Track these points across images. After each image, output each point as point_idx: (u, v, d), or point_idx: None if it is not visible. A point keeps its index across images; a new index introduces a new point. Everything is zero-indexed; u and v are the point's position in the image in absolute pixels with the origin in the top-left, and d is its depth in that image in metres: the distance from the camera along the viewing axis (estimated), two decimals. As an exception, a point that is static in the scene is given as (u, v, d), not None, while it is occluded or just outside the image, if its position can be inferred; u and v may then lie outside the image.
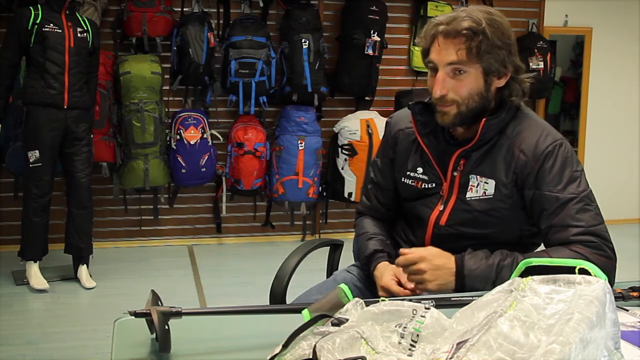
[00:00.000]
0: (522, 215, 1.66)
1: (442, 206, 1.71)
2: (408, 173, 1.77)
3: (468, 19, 1.57)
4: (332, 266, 2.13)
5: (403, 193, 1.81)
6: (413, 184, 1.76)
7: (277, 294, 1.81)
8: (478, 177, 1.66)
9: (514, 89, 1.65)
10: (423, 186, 1.74)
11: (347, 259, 2.10)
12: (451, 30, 1.58)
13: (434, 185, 1.72)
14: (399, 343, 1.01)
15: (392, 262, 1.74)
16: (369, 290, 1.83)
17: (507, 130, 1.66)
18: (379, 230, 1.85)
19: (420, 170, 1.75)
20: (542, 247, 1.69)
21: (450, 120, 1.63)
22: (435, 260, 1.59)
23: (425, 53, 1.66)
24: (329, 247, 2.14)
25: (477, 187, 1.66)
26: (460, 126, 1.67)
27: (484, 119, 1.61)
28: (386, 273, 1.70)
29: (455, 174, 1.69)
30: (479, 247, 1.63)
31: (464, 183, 1.68)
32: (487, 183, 1.65)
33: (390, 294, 1.65)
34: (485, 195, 1.65)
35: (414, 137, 1.77)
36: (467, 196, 1.67)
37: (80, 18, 3.90)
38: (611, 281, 1.50)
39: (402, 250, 1.65)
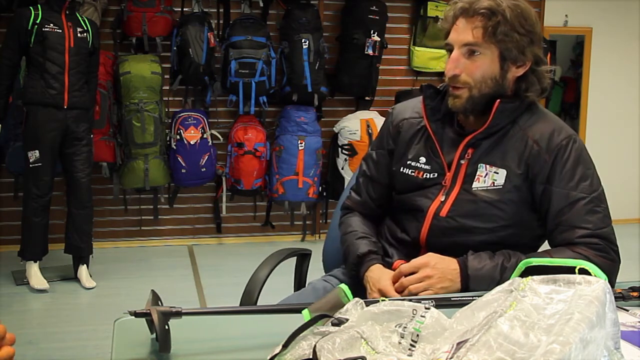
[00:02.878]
0: (528, 212, 1.61)
1: (444, 197, 1.64)
2: (409, 162, 1.71)
3: (489, 0, 1.55)
4: (300, 277, 2.04)
5: (400, 184, 1.73)
6: (413, 174, 1.69)
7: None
8: (487, 166, 1.60)
9: (531, 83, 1.61)
10: (424, 176, 1.67)
11: (316, 269, 2.05)
12: (470, 9, 1.55)
13: (436, 175, 1.66)
14: (399, 343, 1.01)
15: (384, 265, 1.68)
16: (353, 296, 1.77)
17: (519, 120, 1.61)
18: (369, 230, 1.78)
19: (422, 160, 1.68)
20: (544, 247, 1.66)
21: (461, 104, 1.59)
22: (440, 264, 1.56)
23: (446, 35, 1.62)
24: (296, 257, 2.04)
25: (485, 176, 1.60)
26: (472, 113, 1.62)
27: (498, 100, 1.57)
28: (384, 277, 1.63)
29: (462, 162, 1.63)
30: (479, 243, 1.59)
31: (470, 172, 1.62)
32: (497, 173, 1.59)
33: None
34: (494, 185, 1.59)
35: (419, 127, 1.71)
36: (473, 186, 1.61)
37: (80, 18, 3.90)
38: (612, 282, 1.48)
39: (398, 263, 1.62)
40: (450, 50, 1.60)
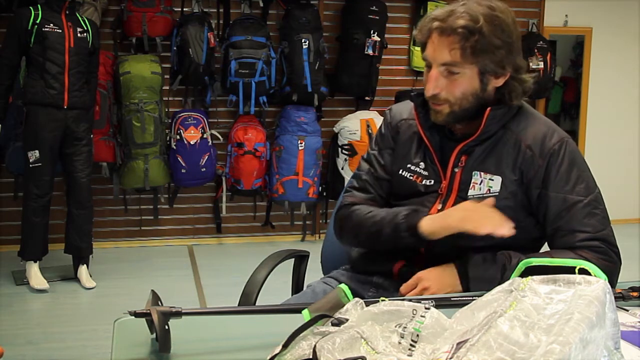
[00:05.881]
0: (525, 216, 1.60)
1: (441, 205, 1.62)
2: (409, 166, 1.68)
3: (465, 16, 1.50)
4: (297, 278, 2.02)
5: (398, 188, 1.71)
6: (412, 177, 1.67)
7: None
8: (482, 173, 1.59)
9: (513, 89, 1.59)
10: (423, 182, 1.66)
11: (314, 270, 2.04)
12: (446, 27, 1.51)
13: (432, 182, 1.64)
14: (399, 343, 1.01)
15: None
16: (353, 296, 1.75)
17: (511, 125, 1.60)
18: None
19: (422, 165, 1.67)
20: (544, 249, 1.66)
21: (443, 119, 1.58)
22: (433, 273, 1.56)
23: (423, 47, 1.60)
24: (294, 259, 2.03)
25: (480, 184, 1.59)
26: (458, 122, 1.61)
27: (489, 108, 1.55)
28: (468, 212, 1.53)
29: (456, 170, 1.61)
30: (478, 249, 1.58)
31: (465, 180, 1.60)
32: (492, 180, 1.58)
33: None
34: (490, 193, 1.57)
35: (416, 130, 1.69)
36: (469, 194, 1.59)
37: (80, 18, 3.90)
38: (613, 283, 1.48)
39: (398, 266, 1.63)
40: (427, 64, 1.58)
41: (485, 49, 1.51)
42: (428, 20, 1.56)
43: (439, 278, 1.56)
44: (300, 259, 2.04)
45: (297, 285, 2.04)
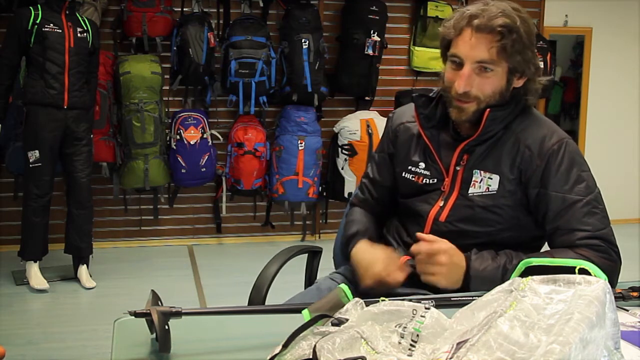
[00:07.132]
0: (525, 215, 1.62)
1: (443, 202, 1.66)
2: (409, 168, 1.73)
3: (502, 16, 1.53)
4: (310, 274, 2.06)
5: (402, 188, 1.76)
6: (413, 179, 1.72)
7: (256, 304, 1.74)
8: (482, 172, 1.62)
9: (530, 89, 1.63)
10: (424, 182, 1.69)
11: (326, 264, 2.05)
12: (486, 25, 1.53)
13: (435, 180, 1.68)
14: (399, 343, 1.01)
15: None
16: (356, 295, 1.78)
17: (512, 125, 1.63)
18: (367, 220, 1.81)
19: (422, 165, 1.70)
20: (544, 248, 1.67)
21: (467, 117, 1.60)
22: (454, 258, 1.55)
23: (447, 44, 1.61)
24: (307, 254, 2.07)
25: (480, 182, 1.62)
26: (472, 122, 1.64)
27: (487, 110, 1.58)
28: (377, 263, 1.63)
29: (458, 168, 1.65)
30: (479, 246, 1.60)
31: (466, 178, 1.64)
32: (491, 178, 1.61)
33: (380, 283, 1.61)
34: (489, 191, 1.61)
35: (416, 131, 1.73)
36: (469, 192, 1.63)
37: (80, 18, 3.90)
38: (614, 283, 1.48)
39: (420, 235, 1.58)
40: (455, 62, 1.59)
41: (520, 49, 1.55)
42: (463, 17, 1.57)
43: (452, 268, 1.54)
44: (313, 254, 2.08)
45: (310, 281, 2.07)
